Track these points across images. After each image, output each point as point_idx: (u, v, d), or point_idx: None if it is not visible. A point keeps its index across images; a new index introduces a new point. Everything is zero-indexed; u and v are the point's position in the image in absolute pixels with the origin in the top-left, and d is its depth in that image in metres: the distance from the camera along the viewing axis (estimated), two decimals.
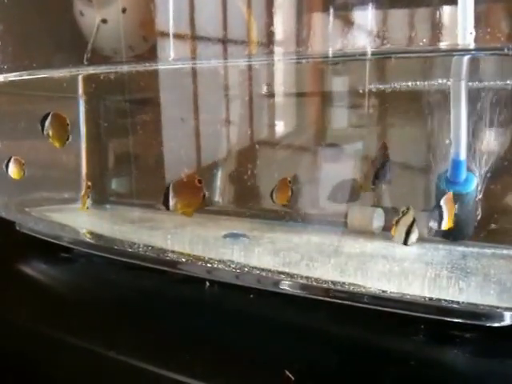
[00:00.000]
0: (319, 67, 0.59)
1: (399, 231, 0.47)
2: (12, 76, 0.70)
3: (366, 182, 0.50)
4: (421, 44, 0.49)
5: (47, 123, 0.60)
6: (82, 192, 0.70)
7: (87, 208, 0.68)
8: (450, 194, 0.47)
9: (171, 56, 0.64)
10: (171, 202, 0.51)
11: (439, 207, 0.47)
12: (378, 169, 0.49)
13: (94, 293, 0.58)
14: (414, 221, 0.47)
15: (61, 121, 0.60)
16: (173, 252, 0.58)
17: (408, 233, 0.47)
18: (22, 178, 0.67)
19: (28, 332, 0.51)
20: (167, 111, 0.70)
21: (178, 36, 0.63)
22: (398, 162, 0.59)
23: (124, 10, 0.66)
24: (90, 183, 0.70)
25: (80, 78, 0.76)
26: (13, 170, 0.66)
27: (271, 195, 0.55)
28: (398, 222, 0.47)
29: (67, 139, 0.61)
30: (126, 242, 0.62)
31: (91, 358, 0.45)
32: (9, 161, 0.66)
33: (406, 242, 0.47)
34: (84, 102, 0.78)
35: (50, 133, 0.60)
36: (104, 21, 0.67)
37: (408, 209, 0.47)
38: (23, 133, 0.72)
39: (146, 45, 0.67)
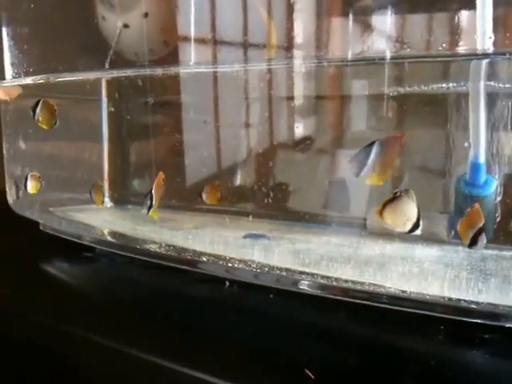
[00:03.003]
0: (339, 71, 0.60)
1: (399, 220, 0.47)
2: (38, 78, 0.72)
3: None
4: (440, 49, 0.49)
5: (38, 110, 0.66)
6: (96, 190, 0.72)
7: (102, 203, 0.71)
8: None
9: (192, 60, 0.65)
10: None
11: None
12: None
13: (116, 291, 0.59)
14: (419, 214, 0.47)
15: (49, 107, 0.67)
16: (194, 251, 0.59)
17: (416, 226, 0.46)
18: (39, 191, 0.72)
19: (51, 330, 0.52)
20: (188, 114, 0.71)
21: (198, 40, 0.63)
22: (417, 164, 0.59)
23: (146, 15, 0.66)
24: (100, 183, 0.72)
25: (103, 80, 0.77)
26: (31, 186, 0.71)
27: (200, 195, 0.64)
28: (387, 203, 0.47)
29: (55, 123, 0.67)
30: (147, 242, 0.63)
31: (113, 356, 0.46)
32: (26, 179, 0.71)
33: (409, 233, 0.47)
34: (107, 104, 0.79)
35: (40, 118, 0.66)
36: (126, 25, 0.68)
37: (406, 192, 0.47)
38: (47, 134, 0.74)
39: (167, 49, 0.68)
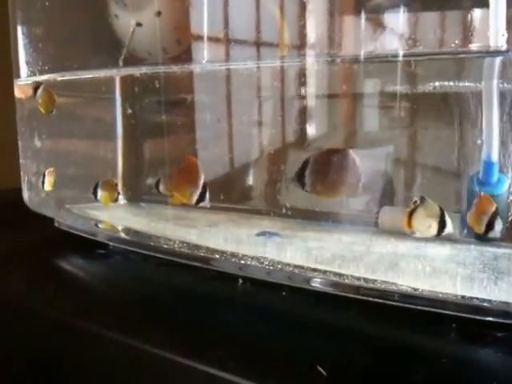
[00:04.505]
0: (351, 69, 0.60)
1: (425, 224, 0.47)
2: (53, 76, 0.72)
3: None
4: (453, 45, 0.49)
5: (38, 92, 0.70)
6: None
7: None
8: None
9: (205, 58, 0.65)
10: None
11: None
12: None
13: (130, 288, 0.59)
14: (443, 212, 0.47)
15: (49, 95, 0.70)
16: (207, 249, 0.60)
17: (443, 225, 0.47)
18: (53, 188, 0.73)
19: (65, 326, 0.52)
20: (201, 112, 0.71)
21: (211, 39, 0.64)
22: (430, 163, 0.59)
23: (159, 14, 0.67)
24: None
25: (117, 79, 0.77)
26: (48, 183, 0.73)
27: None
28: (411, 213, 0.48)
29: (52, 111, 0.71)
30: (161, 239, 0.64)
31: (127, 351, 0.46)
32: (44, 176, 0.72)
33: (439, 234, 0.47)
34: (121, 103, 0.80)
35: (40, 101, 0.70)
36: (139, 24, 0.68)
37: (423, 199, 0.48)
38: (62, 132, 0.74)
39: (180, 47, 0.68)
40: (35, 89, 0.70)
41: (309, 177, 0.49)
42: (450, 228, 0.47)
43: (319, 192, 0.50)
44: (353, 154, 0.49)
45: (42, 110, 0.71)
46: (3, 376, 0.59)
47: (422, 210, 0.47)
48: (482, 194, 0.47)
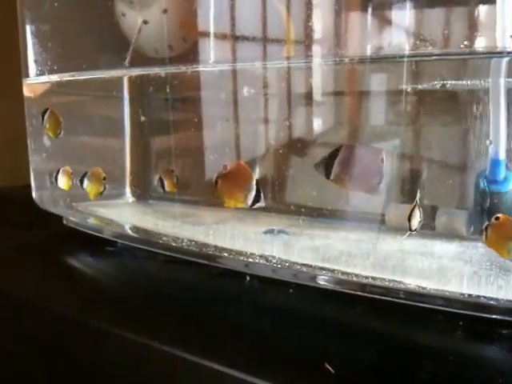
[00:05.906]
0: (357, 68, 0.60)
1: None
2: (61, 76, 0.73)
3: None
4: (462, 46, 0.49)
5: (45, 117, 0.71)
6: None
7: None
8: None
9: (210, 56, 0.66)
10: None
11: None
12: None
13: (138, 285, 0.60)
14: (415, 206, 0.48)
15: (55, 118, 0.71)
16: (215, 247, 0.60)
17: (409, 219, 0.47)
18: (71, 188, 0.72)
19: (74, 322, 0.53)
20: (208, 110, 0.71)
21: (217, 36, 0.64)
22: (436, 160, 0.59)
23: (165, 11, 0.67)
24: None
25: (125, 78, 0.78)
26: (63, 182, 0.72)
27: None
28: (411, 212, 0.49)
29: (59, 133, 0.72)
30: (169, 237, 0.64)
31: (135, 348, 0.47)
32: (57, 173, 0.72)
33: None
34: (129, 101, 0.80)
35: (47, 125, 0.71)
36: (145, 22, 0.69)
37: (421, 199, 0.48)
38: (71, 131, 0.75)
39: (185, 45, 0.68)
40: (43, 114, 0.71)
41: (337, 166, 0.49)
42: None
43: (342, 183, 0.49)
44: (383, 153, 0.48)
45: (51, 134, 0.72)
46: (10, 372, 0.60)
47: (416, 210, 0.48)
48: (500, 215, 0.46)
